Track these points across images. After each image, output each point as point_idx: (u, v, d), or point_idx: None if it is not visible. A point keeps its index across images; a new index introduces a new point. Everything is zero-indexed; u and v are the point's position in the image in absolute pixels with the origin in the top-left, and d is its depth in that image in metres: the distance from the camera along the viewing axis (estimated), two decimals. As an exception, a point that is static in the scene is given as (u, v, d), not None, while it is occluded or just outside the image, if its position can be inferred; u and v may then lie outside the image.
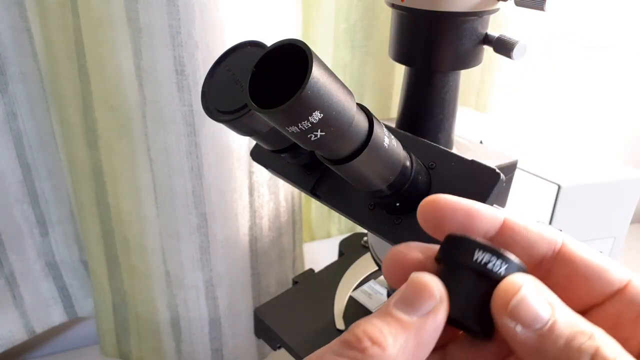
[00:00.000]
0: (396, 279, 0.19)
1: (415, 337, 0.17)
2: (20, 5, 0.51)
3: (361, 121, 0.23)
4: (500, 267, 0.18)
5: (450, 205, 0.19)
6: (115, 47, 0.47)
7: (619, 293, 0.18)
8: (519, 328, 0.17)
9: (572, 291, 0.19)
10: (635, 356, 0.17)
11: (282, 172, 0.37)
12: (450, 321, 0.18)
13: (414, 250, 0.20)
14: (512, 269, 0.18)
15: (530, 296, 0.17)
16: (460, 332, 0.20)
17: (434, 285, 0.18)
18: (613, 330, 0.17)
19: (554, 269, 0.19)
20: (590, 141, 0.87)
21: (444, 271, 0.19)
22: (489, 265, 0.18)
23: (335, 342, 0.17)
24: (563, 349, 0.16)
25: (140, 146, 0.52)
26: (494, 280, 0.18)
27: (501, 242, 0.19)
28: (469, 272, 0.18)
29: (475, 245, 0.18)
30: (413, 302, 0.17)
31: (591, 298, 0.19)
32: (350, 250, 0.63)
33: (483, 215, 0.19)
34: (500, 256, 0.18)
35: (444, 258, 0.19)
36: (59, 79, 0.53)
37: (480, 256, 0.18)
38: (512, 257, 0.18)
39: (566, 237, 0.19)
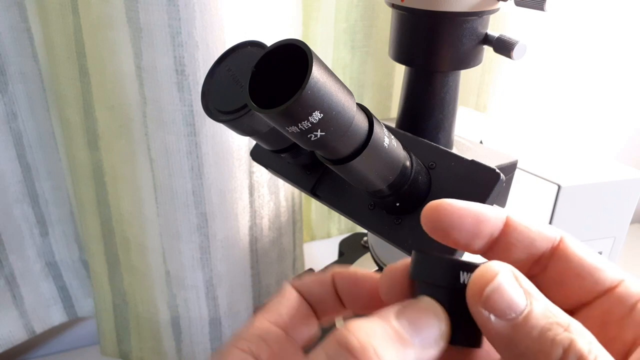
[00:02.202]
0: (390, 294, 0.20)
1: None
2: (20, 6, 0.51)
3: (361, 121, 0.23)
4: None
5: (458, 212, 0.19)
6: (115, 47, 0.47)
7: (608, 292, 0.18)
8: (492, 317, 0.16)
9: (564, 288, 0.19)
10: (619, 358, 0.17)
11: (282, 172, 0.37)
12: None
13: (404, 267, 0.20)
14: None
15: (506, 284, 0.17)
16: None
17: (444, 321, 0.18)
18: (600, 329, 0.17)
19: (549, 265, 0.19)
20: (590, 141, 0.87)
21: (420, 290, 0.19)
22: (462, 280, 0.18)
23: (331, 344, 0.16)
24: (536, 340, 0.16)
25: (141, 146, 0.52)
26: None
27: (503, 241, 0.19)
28: (446, 291, 0.18)
29: (450, 264, 0.18)
30: (421, 331, 0.17)
31: (582, 296, 0.18)
32: (350, 250, 0.62)
33: (490, 218, 0.19)
34: (472, 269, 0.18)
35: (418, 279, 0.19)
36: (59, 79, 0.53)
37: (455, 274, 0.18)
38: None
39: (565, 235, 0.19)
